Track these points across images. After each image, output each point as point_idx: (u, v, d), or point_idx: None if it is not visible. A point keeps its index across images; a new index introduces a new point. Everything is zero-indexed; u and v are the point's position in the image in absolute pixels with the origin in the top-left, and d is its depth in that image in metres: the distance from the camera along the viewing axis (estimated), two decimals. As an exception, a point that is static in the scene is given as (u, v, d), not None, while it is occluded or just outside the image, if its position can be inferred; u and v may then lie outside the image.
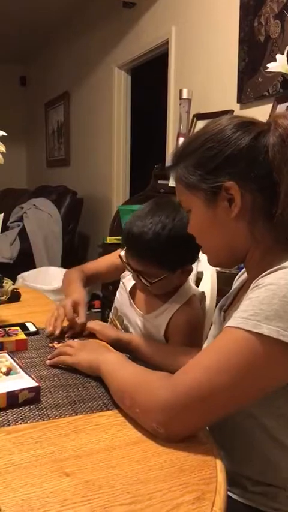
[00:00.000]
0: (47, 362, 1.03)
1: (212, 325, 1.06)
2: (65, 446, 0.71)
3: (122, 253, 1.23)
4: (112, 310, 1.46)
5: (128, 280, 1.41)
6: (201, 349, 0.97)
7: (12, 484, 0.62)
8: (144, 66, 3.94)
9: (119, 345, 1.14)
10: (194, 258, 1.23)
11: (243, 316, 0.70)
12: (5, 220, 4.33)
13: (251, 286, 0.76)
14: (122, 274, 1.46)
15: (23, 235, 4.30)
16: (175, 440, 0.72)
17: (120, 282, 1.45)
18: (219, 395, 0.70)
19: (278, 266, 0.73)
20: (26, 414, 0.80)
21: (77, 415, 0.81)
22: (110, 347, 1.12)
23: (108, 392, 0.87)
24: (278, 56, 1.92)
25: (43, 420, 0.79)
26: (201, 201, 0.85)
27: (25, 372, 0.91)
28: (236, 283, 1.06)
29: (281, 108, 2.21)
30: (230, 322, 0.72)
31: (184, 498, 0.60)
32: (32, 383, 0.86)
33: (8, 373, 0.91)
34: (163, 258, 1.14)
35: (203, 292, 1.37)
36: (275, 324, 0.67)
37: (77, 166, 5.12)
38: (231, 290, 1.05)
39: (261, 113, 2.41)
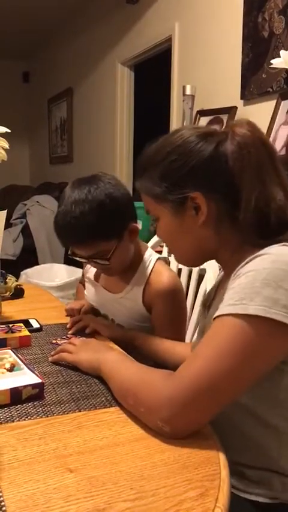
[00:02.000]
0: (50, 359, 1.03)
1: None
2: (69, 442, 0.71)
3: (69, 252, 1.25)
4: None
5: (90, 272, 1.45)
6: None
7: (16, 480, 0.62)
8: (147, 63, 3.93)
9: (124, 342, 1.15)
10: (132, 214, 1.23)
11: (229, 303, 0.72)
12: (8, 217, 4.33)
13: (232, 278, 0.78)
14: (84, 270, 1.50)
15: (26, 232, 4.30)
16: (180, 436, 0.72)
17: (85, 279, 1.48)
18: (220, 384, 0.70)
19: (254, 255, 0.75)
20: (29, 410, 0.81)
21: (80, 411, 0.81)
22: (113, 345, 1.12)
23: (111, 388, 0.88)
24: (282, 52, 1.90)
25: (47, 416, 0.79)
26: (169, 211, 0.89)
27: (29, 368, 0.91)
28: (217, 278, 1.09)
29: (285, 104, 2.20)
30: (218, 312, 0.74)
31: (188, 494, 0.60)
32: (36, 379, 0.86)
33: (11, 369, 0.91)
34: (101, 229, 1.13)
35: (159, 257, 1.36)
36: (260, 304, 0.69)
37: (80, 163, 5.11)
38: (211, 286, 1.07)
39: (264, 109, 2.40)
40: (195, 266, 1.08)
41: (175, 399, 0.71)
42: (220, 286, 0.98)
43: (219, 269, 1.12)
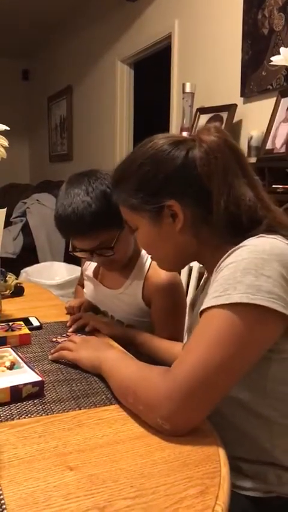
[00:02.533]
0: (50, 357, 1.03)
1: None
2: (69, 440, 0.71)
3: (70, 249, 1.26)
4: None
5: (89, 269, 1.45)
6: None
7: (16, 478, 0.62)
8: (147, 60, 3.93)
9: (124, 340, 1.15)
10: None
11: (214, 296, 0.74)
12: (8, 216, 4.32)
13: (214, 273, 0.81)
14: (83, 268, 1.50)
15: (26, 230, 4.30)
16: (181, 433, 0.72)
17: (84, 277, 1.48)
18: (215, 375, 0.71)
19: (234, 248, 0.78)
20: (29, 408, 0.81)
21: (80, 409, 0.81)
22: (113, 343, 1.12)
23: (111, 386, 0.88)
24: (282, 49, 1.89)
25: (47, 414, 0.79)
26: (146, 220, 0.92)
27: (29, 366, 0.91)
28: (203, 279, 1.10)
29: (285, 101, 2.20)
30: (204, 306, 0.75)
31: (188, 492, 0.60)
32: (36, 377, 0.86)
33: (11, 367, 0.91)
34: (104, 218, 1.14)
35: None
36: (244, 291, 0.71)
37: (80, 161, 5.11)
38: (199, 287, 1.09)
39: (264, 106, 2.39)
40: (177, 270, 1.12)
41: (173, 395, 0.71)
42: (206, 285, 1.00)
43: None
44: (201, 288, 1.05)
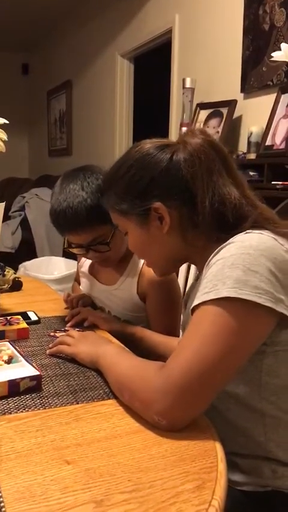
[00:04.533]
0: (48, 351, 1.03)
1: None
2: (66, 434, 0.71)
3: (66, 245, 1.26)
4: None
5: (85, 266, 1.45)
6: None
7: (13, 471, 0.62)
8: (147, 55, 3.91)
9: (123, 336, 1.15)
10: None
11: (204, 292, 0.75)
12: (6, 210, 4.32)
13: (203, 270, 0.83)
14: (78, 265, 1.50)
15: (24, 224, 4.30)
16: (178, 428, 0.72)
17: (80, 273, 1.47)
18: (211, 369, 0.71)
19: (222, 245, 0.80)
20: (27, 402, 0.81)
21: (78, 403, 0.81)
22: (112, 338, 1.12)
23: (109, 381, 0.88)
24: (283, 45, 1.89)
25: (44, 408, 0.79)
26: (135, 224, 0.94)
27: (26, 360, 0.91)
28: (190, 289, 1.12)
29: (285, 97, 2.19)
30: (195, 302, 0.76)
31: (185, 487, 0.60)
32: (34, 371, 0.86)
33: (9, 361, 0.91)
34: (100, 212, 1.11)
35: None
36: (232, 286, 0.72)
37: (79, 155, 5.10)
38: (190, 285, 1.11)
39: (264, 102, 2.39)
40: (169, 274, 1.14)
41: (168, 391, 0.71)
42: (197, 283, 1.00)
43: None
44: (193, 286, 1.05)
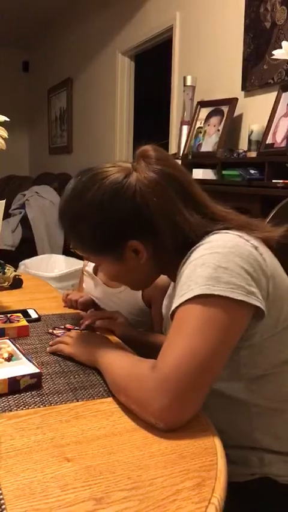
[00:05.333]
0: (48, 349, 1.03)
1: None
2: (66, 432, 0.71)
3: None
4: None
5: (90, 265, 1.45)
6: None
7: (13, 469, 0.62)
8: (148, 53, 3.90)
9: (137, 343, 1.13)
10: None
11: (180, 295, 0.77)
12: (7, 208, 4.32)
13: (177, 277, 0.86)
14: (84, 263, 1.50)
15: (25, 222, 4.29)
16: (176, 428, 0.72)
17: (84, 273, 1.47)
18: (201, 365, 0.72)
19: (191, 250, 0.83)
20: (27, 400, 0.81)
21: (78, 401, 0.81)
22: (114, 338, 1.11)
23: (109, 379, 0.88)
24: (284, 43, 1.89)
25: (44, 406, 0.79)
26: (109, 260, 0.95)
27: (27, 358, 0.91)
28: (167, 298, 1.14)
29: (285, 96, 2.19)
30: (173, 306, 0.78)
31: (184, 484, 0.60)
32: (34, 369, 0.86)
33: (9, 359, 0.91)
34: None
35: None
36: (204, 283, 0.75)
37: (80, 153, 5.09)
38: (167, 294, 1.13)
39: (265, 101, 2.39)
40: (145, 288, 1.17)
41: (161, 392, 0.71)
42: (174, 291, 1.01)
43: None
44: (170, 296, 1.06)
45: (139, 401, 0.74)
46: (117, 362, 0.86)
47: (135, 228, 0.90)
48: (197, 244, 0.83)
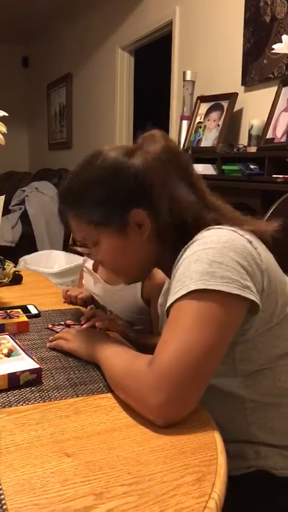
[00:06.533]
0: (48, 345, 1.03)
1: None
2: (66, 427, 0.71)
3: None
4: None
5: (89, 261, 1.44)
6: None
7: (13, 464, 0.62)
8: (147, 48, 3.89)
9: (137, 346, 1.11)
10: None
11: (175, 292, 0.77)
12: (6, 203, 4.32)
13: (172, 272, 0.85)
14: (83, 259, 1.48)
15: (24, 218, 4.29)
16: (173, 424, 0.72)
17: (84, 269, 1.46)
18: (198, 359, 0.71)
19: (185, 247, 0.83)
20: (27, 395, 0.81)
21: (78, 396, 0.81)
22: (114, 334, 1.11)
23: (109, 374, 0.87)
24: (284, 37, 1.88)
25: (44, 401, 0.79)
26: (111, 233, 0.91)
27: (26, 353, 0.91)
28: (162, 297, 1.12)
29: (286, 90, 2.18)
30: (168, 303, 0.78)
31: (184, 479, 0.60)
32: (34, 364, 0.86)
33: (9, 354, 0.91)
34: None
35: None
36: (199, 279, 0.74)
37: (79, 149, 5.08)
38: (163, 290, 1.12)
39: (265, 95, 2.38)
40: (138, 281, 1.15)
41: (159, 388, 0.71)
42: (169, 286, 1.00)
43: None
44: (165, 290, 1.06)
45: (137, 398, 0.74)
46: (116, 358, 0.85)
47: (139, 199, 0.89)
48: (191, 241, 0.82)
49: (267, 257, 0.83)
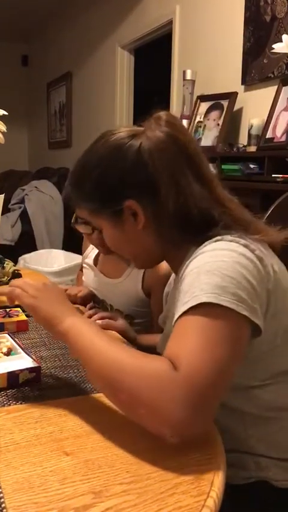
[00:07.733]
0: None
1: None
2: (65, 426, 0.71)
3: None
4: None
5: (89, 257, 1.43)
6: None
7: (12, 463, 0.62)
8: (147, 47, 3.89)
9: (136, 347, 1.09)
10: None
11: (184, 302, 0.71)
12: (6, 202, 4.32)
13: (179, 281, 0.81)
14: (83, 255, 1.48)
15: (24, 217, 4.29)
16: (187, 440, 0.65)
17: (84, 265, 1.46)
18: (221, 374, 0.66)
19: (193, 256, 0.78)
20: (26, 394, 0.81)
21: (77, 395, 0.81)
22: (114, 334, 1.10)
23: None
24: (284, 37, 1.88)
25: (43, 400, 0.79)
26: (108, 222, 0.91)
27: (26, 352, 0.91)
28: (168, 286, 1.11)
29: (286, 90, 2.18)
30: (177, 315, 0.72)
31: (183, 478, 0.60)
32: (33, 363, 0.86)
33: (8, 353, 0.91)
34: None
35: None
36: (211, 291, 0.69)
37: (79, 148, 5.07)
38: (168, 284, 1.10)
39: (265, 95, 2.38)
40: (149, 267, 1.12)
41: (188, 401, 0.62)
42: (174, 286, 0.99)
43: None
44: (172, 295, 1.01)
45: (154, 408, 0.63)
46: (107, 347, 0.70)
47: (134, 187, 0.85)
48: (200, 251, 0.77)
49: (278, 274, 0.79)
